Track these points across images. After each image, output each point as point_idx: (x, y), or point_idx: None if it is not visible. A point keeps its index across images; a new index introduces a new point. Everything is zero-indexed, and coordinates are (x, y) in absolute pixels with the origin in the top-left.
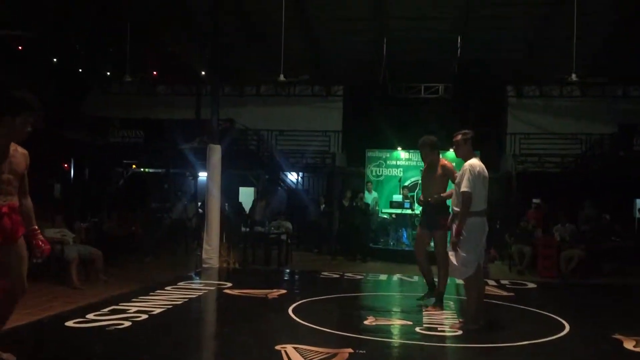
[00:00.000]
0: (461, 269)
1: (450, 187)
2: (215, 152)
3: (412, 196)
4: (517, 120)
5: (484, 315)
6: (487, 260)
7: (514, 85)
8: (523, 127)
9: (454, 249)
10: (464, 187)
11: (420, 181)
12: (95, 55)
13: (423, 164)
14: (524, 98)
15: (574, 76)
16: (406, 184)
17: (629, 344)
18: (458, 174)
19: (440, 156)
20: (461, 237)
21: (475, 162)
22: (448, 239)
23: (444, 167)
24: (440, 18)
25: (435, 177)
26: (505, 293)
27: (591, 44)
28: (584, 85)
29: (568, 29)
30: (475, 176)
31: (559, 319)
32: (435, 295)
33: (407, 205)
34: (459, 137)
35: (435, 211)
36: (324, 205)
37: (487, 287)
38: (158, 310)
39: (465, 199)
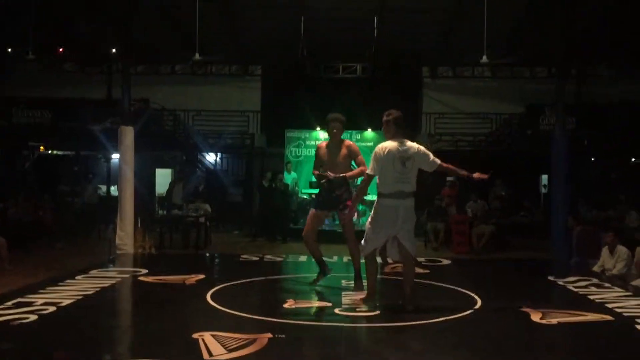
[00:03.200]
0: (363, 245)
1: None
2: (128, 134)
3: None
4: (432, 100)
5: (407, 303)
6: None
7: (428, 66)
8: (438, 106)
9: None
10: (368, 170)
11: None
12: None
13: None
14: (438, 79)
15: (484, 58)
16: None
17: (535, 317)
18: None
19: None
20: (371, 216)
21: (385, 144)
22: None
23: (349, 147)
24: None
25: (339, 156)
26: (421, 270)
27: (501, 28)
28: (494, 67)
29: (479, 12)
30: (380, 158)
31: (472, 294)
32: (355, 276)
33: None
34: (383, 118)
35: (338, 191)
36: (202, 186)
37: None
38: (67, 302)
39: (365, 178)
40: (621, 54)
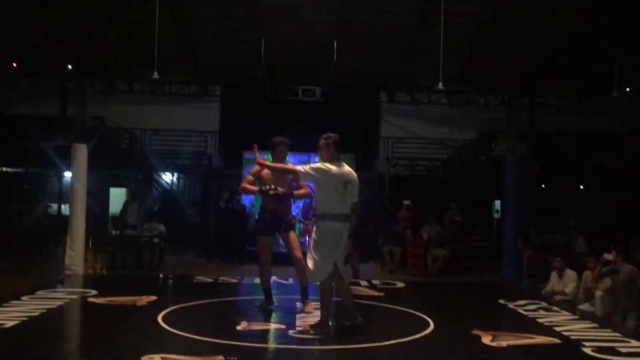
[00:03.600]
0: (314, 272)
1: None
2: (81, 152)
3: None
4: (390, 125)
5: (356, 318)
6: (356, 260)
7: (386, 90)
8: (395, 131)
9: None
10: (299, 167)
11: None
12: None
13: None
14: (396, 104)
15: (440, 85)
16: None
17: (486, 339)
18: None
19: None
20: (315, 240)
21: (327, 165)
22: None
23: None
24: (317, 22)
25: (285, 178)
26: (375, 293)
27: (457, 56)
28: (450, 94)
29: (436, 40)
30: (323, 173)
31: (425, 317)
32: (302, 292)
33: None
34: (322, 141)
35: (286, 214)
36: (157, 206)
37: (358, 287)
38: (11, 324)
39: (292, 175)
40: (572, 85)
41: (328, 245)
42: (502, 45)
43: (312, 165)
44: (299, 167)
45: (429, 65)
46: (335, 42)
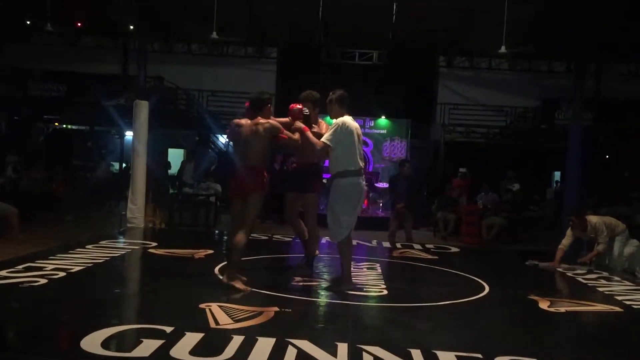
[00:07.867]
0: (336, 230)
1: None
2: (142, 109)
3: None
4: (447, 90)
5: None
6: (410, 225)
7: (445, 55)
8: (453, 97)
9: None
10: (324, 138)
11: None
12: (14, 2)
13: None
14: (455, 69)
15: (503, 48)
16: None
17: (543, 304)
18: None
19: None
20: (336, 200)
21: (344, 119)
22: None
23: (323, 127)
24: None
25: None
26: (429, 256)
27: (521, 20)
28: (512, 60)
29: (499, 3)
30: (344, 132)
31: (480, 280)
32: (308, 260)
33: None
34: (328, 98)
35: (308, 173)
36: (214, 167)
37: (411, 250)
38: (77, 268)
39: (321, 148)
40: None
41: (352, 201)
42: (568, 7)
43: (331, 129)
44: (325, 139)
45: (491, 29)
46: (394, 5)
